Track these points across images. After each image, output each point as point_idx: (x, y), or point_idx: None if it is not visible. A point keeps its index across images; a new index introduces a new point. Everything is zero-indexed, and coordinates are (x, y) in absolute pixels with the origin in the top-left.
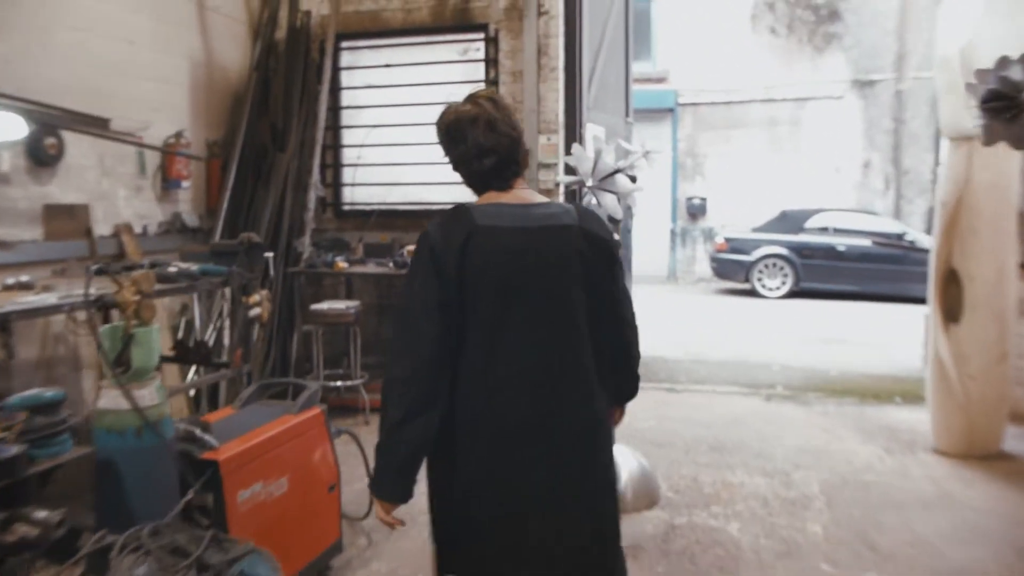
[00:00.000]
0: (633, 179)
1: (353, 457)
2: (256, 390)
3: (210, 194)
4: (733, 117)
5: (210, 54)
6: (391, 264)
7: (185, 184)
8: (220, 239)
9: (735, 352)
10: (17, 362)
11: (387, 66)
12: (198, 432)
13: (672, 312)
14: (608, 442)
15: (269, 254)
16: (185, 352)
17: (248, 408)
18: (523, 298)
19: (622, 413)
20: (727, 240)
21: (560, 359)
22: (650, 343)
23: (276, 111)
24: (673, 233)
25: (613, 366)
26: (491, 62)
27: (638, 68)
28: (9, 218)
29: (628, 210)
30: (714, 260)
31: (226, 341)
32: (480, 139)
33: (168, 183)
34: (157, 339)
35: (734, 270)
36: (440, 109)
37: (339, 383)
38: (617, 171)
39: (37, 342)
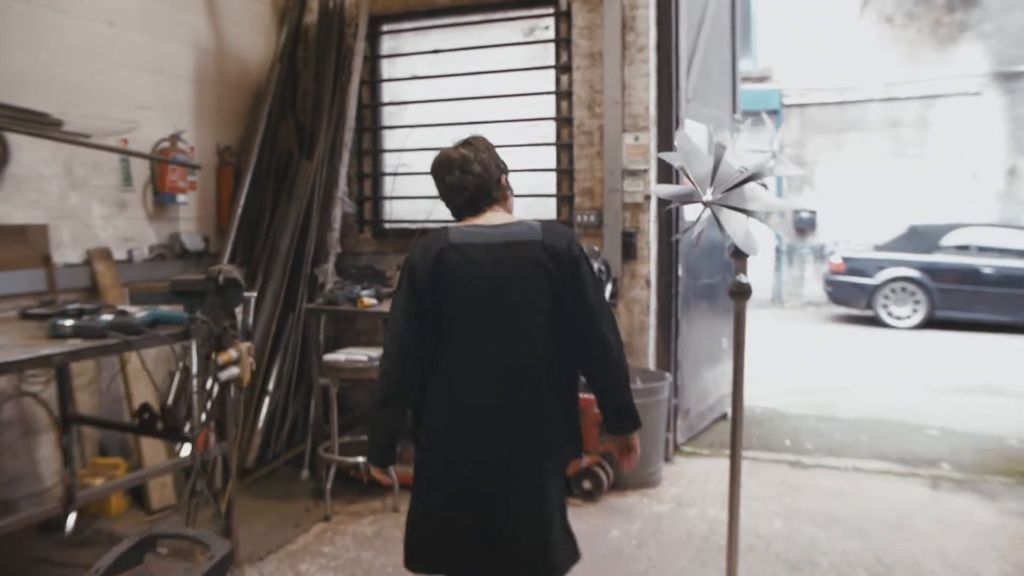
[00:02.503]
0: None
1: None
2: (129, 551)
3: (220, 210)
4: (847, 119)
5: (222, 41)
6: None
7: (182, 198)
8: (227, 265)
9: (872, 404)
10: None
11: (435, 52)
12: None
13: (781, 345)
14: (554, 438)
15: (251, 294)
16: (150, 421)
17: None
18: (485, 306)
19: (630, 448)
20: (845, 260)
21: (514, 360)
22: (759, 388)
23: (304, 110)
24: (778, 251)
25: (592, 379)
26: (562, 43)
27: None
28: None
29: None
30: (829, 283)
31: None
32: (454, 179)
33: (161, 197)
34: None
35: (854, 295)
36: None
37: (360, 459)
38: (750, 178)
39: None
